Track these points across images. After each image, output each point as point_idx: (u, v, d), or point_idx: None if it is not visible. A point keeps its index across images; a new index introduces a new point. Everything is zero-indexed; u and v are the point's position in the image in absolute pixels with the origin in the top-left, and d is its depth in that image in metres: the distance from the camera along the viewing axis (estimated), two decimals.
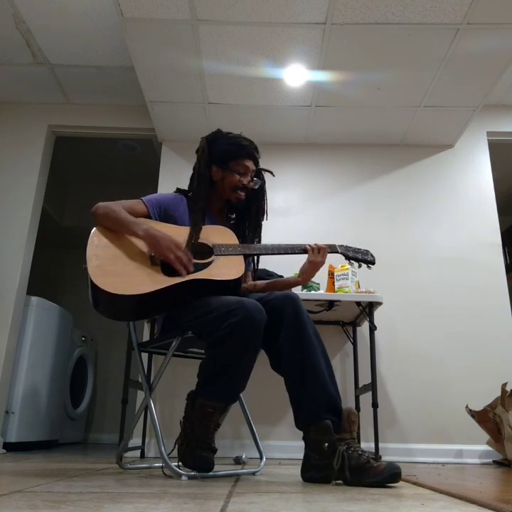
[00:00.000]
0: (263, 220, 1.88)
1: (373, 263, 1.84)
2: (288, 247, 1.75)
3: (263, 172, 1.89)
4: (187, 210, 1.78)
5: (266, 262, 2.56)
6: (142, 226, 1.61)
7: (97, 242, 1.59)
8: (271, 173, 1.89)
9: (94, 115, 3.47)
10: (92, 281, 1.49)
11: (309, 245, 1.74)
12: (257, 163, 1.85)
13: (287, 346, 1.50)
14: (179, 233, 1.66)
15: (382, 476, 1.26)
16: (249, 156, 1.81)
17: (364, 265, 1.84)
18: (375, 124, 3.14)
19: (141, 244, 1.63)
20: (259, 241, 1.86)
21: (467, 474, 1.90)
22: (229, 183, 1.79)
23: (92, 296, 1.54)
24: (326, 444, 1.36)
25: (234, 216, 1.92)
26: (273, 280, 1.91)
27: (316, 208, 3.23)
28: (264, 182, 1.87)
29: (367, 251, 1.87)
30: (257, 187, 1.83)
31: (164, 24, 2.39)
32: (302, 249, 1.76)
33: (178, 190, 1.87)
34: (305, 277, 1.78)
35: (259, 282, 1.89)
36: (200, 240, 1.67)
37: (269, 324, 1.51)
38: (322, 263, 1.75)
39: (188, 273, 1.57)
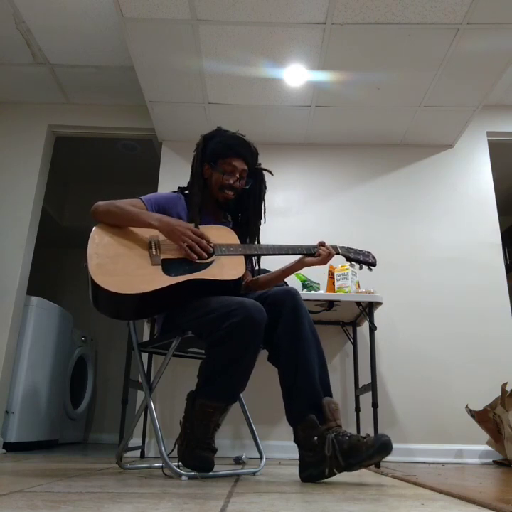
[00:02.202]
0: (260, 223, 1.86)
1: (374, 265, 1.84)
2: (289, 247, 1.74)
3: (264, 174, 1.87)
4: (185, 208, 1.79)
5: (266, 262, 2.56)
6: (154, 215, 1.63)
7: (97, 241, 1.59)
8: (269, 172, 1.87)
9: (94, 115, 3.47)
10: (92, 279, 1.49)
11: (321, 248, 1.74)
12: (247, 162, 1.80)
13: (284, 340, 1.52)
14: None
15: (374, 447, 1.27)
16: (236, 154, 1.77)
17: (365, 267, 1.84)
18: (375, 124, 3.14)
19: (141, 243, 1.63)
20: (258, 241, 1.85)
21: (467, 474, 1.90)
22: (215, 181, 1.79)
23: (92, 295, 1.54)
24: (316, 437, 1.37)
25: (231, 216, 1.91)
26: (268, 274, 1.88)
27: (316, 208, 3.23)
28: (262, 183, 1.85)
29: (368, 253, 1.86)
30: (247, 187, 1.80)
31: (164, 24, 2.39)
32: (304, 251, 1.75)
33: (179, 189, 1.87)
34: (301, 267, 1.78)
35: (255, 278, 1.88)
36: None
37: (269, 318, 1.51)
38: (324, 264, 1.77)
39: (209, 255, 1.60)
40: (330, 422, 1.39)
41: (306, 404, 1.43)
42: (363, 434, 2.58)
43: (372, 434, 1.35)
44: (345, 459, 1.30)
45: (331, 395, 1.46)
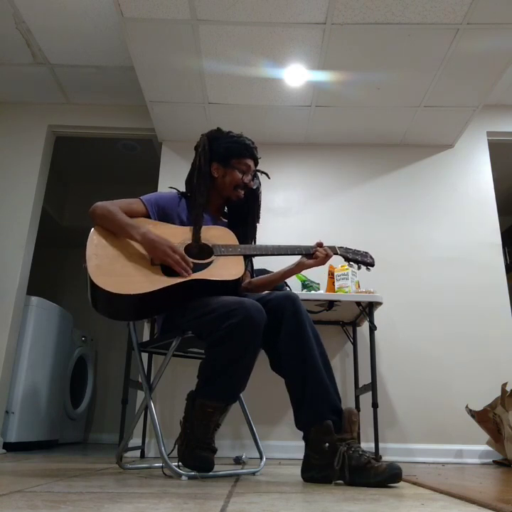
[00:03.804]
0: (257, 222, 1.88)
1: (372, 265, 1.85)
2: (288, 248, 1.74)
3: (259, 174, 1.90)
4: (185, 209, 1.78)
5: (266, 262, 2.56)
6: (140, 230, 1.60)
7: (96, 242, 1.59)
8: (266, 175, 1.90)
9: (94, 115, 3.47)
10: (91, 280, 1.48)
11: (318, 249, 1.75)
12: (256, 164, 1.86)
13: (287, 347, 1.50)
14: (178, 234, 1.66)
15: (383, 476, 1.26)
16: (251, 155, 1.82)
17: (363, 267, 1.85)
18: (375, 124, 3.14)
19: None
20: (254, 242, 1.86)
21: (467, 474, 1.90)
22: (231, 180, 1.79)
23: (91, 296, 1.54)
24: (327, 444, 1.36)
25: (228, 216, 1.92)
26: (267, 275, 1.90)
27: (316, 208, 3.23)
28: (260, 183, 1.88)
29: (366, 253, 1.87)
30: (255, 187, 1.84)
31: (164, 24, 2.39)
32: (303, 251, 1.76)
33: (179, 193, 1.86)
34: (299, 270, 1.78)
35: (254, 279, 1.89)
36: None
37: (269, 325, 1.51)
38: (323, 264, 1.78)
39: (187, 274, 1.57)
40: (346, 433, 1.38)
41: (324, 407, 1.41)
42: (363, 434, 2.59)
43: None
44: (350, 475, 1.29)
45: (339, 397, 1.46)
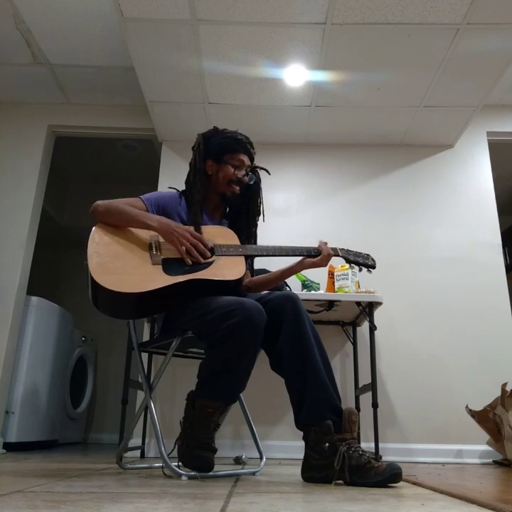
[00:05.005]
0: (258, 219, 1.87)
1: (374, 267, 1.84)
2: (289, 248, 1.74)
3: (259, 172, 1.89)
4: (185, 208, 1.78)
5: (266, 262, 2.56)
6: (153, 217, 1.63)
7: (98, 240, 1.59)
8: (267, 171, 1.89)
9: (94, 115, 3.48)
10: (92, 278, 1.49)
11: (322, 247, 1.75)
12: (252, 159, 1.85)
13: (287, 347, 1.50)
14: None
15: (383, 476, 1.26)
16: (244, 150, 1.81)
17: (364, 269, 1.84)
18: (375, 124, 3.14)
19: (142, 242, 1.63)
20: (255, 241, 1.86)
21: (467, 474, 1.90)
22: (224, 176, 1.79)
23: (92, 294, 1.54)
24: (327, 444, 1.36)
25: (229, 215, 1.91)
26: (268, 274, 1.90)
27: (316, 208, 3.23)
28: (259, 180, 1.87)
29: (367, 255, 1.86)
30: (251, 182, 1.83)
31: (164, 24, 2.39)
32: (304, 252, 1.75)
33: (179, 193, 1.87)
34: (300, 269, 1.78)
35: (254, 278, 1.89)
36: None
37: (269, 325, 1.51)
38: (324, 266, 1.78)
39: (205, 259, 1.59)
40: (346, 433, 1.38)
41: (324, 407, 1.41)
42: (363, 434, 2.59)
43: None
44: (350, 475, 1.29)
45: (339, 397, 1.46)
